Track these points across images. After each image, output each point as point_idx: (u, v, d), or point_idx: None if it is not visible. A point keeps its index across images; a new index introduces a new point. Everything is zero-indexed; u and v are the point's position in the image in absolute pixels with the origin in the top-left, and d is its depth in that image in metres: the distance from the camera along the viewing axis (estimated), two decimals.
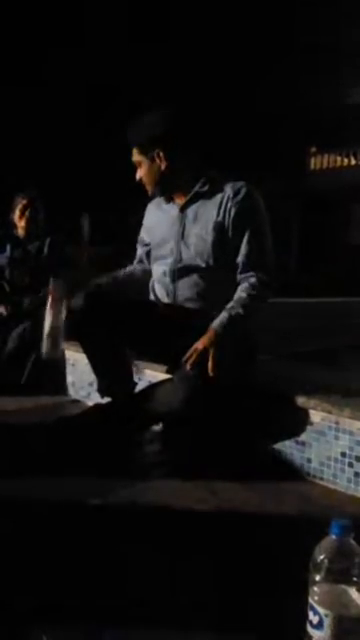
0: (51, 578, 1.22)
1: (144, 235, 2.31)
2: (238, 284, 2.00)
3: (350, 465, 1.70)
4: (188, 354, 1.82)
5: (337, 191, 15.56)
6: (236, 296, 1.95)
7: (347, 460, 1.71)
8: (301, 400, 1.82)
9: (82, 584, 1.20)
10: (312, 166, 17.10)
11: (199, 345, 1.82)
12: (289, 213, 16.24)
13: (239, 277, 2.01)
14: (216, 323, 1.87)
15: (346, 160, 16.51)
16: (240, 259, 2.00)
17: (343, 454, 1.71)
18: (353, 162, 16.34)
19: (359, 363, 2.68)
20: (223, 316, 1.89)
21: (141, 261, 2.32)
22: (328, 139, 15.86)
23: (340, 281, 9.95)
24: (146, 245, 2.29)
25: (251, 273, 1.99)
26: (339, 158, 16.62)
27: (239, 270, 2.01)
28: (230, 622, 1.09)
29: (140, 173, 2.10)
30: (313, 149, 16.96)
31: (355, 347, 3.11)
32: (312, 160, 17.09)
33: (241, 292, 1.96)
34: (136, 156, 2.09)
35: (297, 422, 1.83)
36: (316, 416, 1.78)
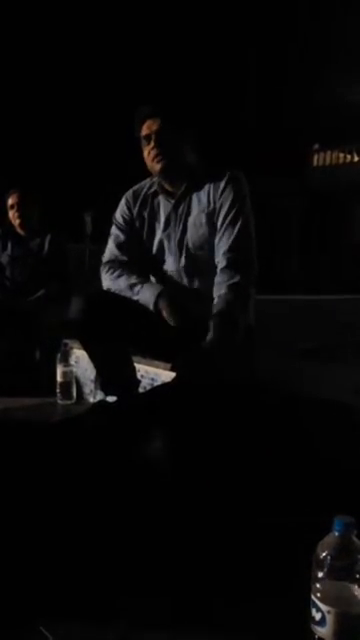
0: (51, 576, 1.23)
1: (125, 224, 2.17)
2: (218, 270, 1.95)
3: None
4: None
5: (340, 188, 15.53)
6: (218, 307, 1.89)
7: None
8: None
9: (81, 581, 1.21)
10: (315, 163, 17.06)
11: None
12: (291, 210, 16.22)
13: (220, 271, 1.95)
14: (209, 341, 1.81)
15: (349, 157, 16.47)
16: (223, 251, 1.96)
17: None
18: (356, 159, 16.29)
19: None
20: (212, 338, 1.81)
21: (124, 250, 2.15)
22: (331, 136, 15.82)
23: (341, 279, 9.93)
24: (129, 235, 2.17)
25: (232, 274, 1.93)
26: (342, 155, 16.57)
27: (221, 262, 1.96)
28: (231, 620, 1.10)
29: (150, 147, 2.00)
30: (316, 146, 16.92)
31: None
32: (315, 157, 17.05)
33: (221, 303, 1.89)
34: (155, 126, 1.98)
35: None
36: None
